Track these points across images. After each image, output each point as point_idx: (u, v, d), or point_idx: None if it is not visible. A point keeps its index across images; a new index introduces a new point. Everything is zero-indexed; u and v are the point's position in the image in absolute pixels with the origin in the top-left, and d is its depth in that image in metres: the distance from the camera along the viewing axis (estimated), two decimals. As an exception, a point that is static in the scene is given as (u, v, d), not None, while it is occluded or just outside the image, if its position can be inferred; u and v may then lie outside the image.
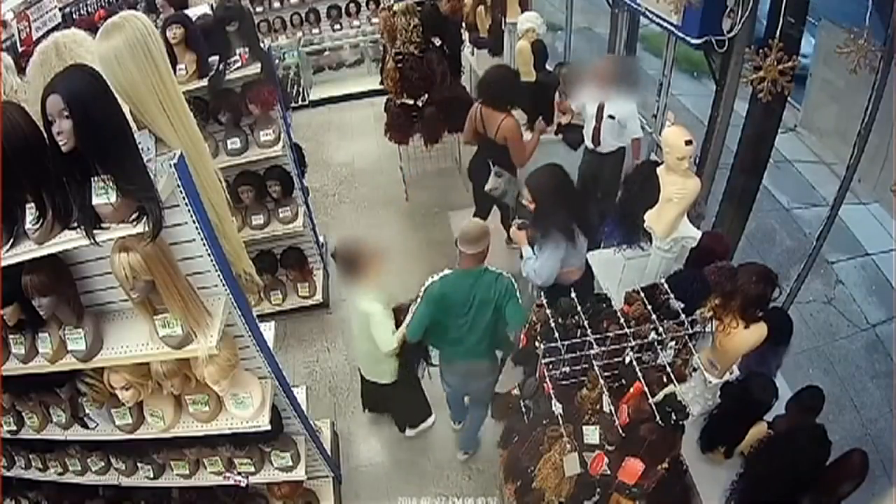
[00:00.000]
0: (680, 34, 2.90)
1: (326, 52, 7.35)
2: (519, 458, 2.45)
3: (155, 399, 2.26)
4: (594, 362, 2.09)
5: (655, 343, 2.08)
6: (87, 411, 2.36)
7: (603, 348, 2.10)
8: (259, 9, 6.78)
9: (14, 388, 2.32)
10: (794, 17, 2.40)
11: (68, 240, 1.67)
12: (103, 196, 1.57)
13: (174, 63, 3.04)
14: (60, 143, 1.50)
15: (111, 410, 2.30)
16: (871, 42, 2.01)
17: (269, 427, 2.31)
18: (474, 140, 3.83)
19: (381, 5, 5.26)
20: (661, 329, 2.09)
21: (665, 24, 2.99)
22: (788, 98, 2.61)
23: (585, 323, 2.19)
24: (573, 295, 2.33)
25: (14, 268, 1.74)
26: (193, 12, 3.47)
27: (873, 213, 4.50)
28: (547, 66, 4.43)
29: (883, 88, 2.27)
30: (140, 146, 1.67)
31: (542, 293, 2.55)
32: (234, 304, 2.07)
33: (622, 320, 2.17)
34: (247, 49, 3.35)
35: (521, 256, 2.90)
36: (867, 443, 3.05)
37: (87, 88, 1.51)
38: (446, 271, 2.63)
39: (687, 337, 2.12)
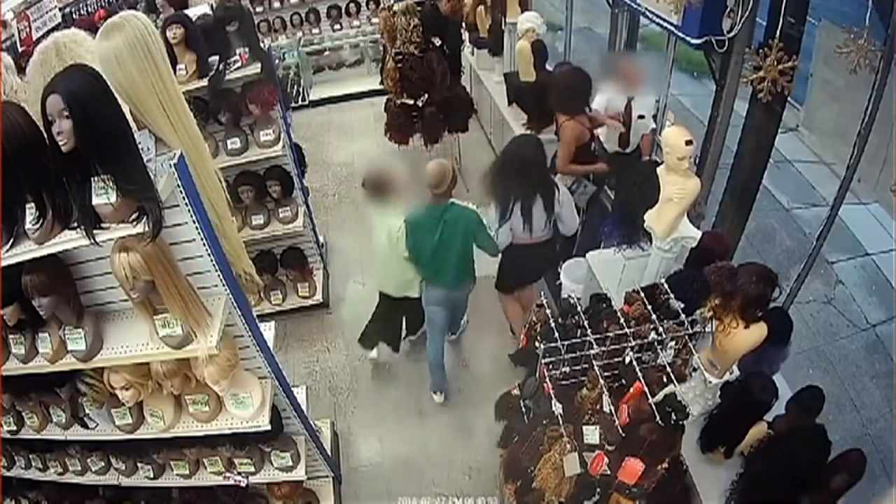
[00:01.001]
0: (680, 34, 2.90)
1: (326, 52, 7.35)
2: (519, 458, 2.45)
3: (155, 399, 2.26)
4: (594, 362, 2.09)
5: (655, 343, 2.08)
6: (87, 411, 2.36)
7: (603, 348, 2.11)
8: (259, 9, 6.79)
9: (14, 388, 2.32)
10: (794, 17, 2.40)
11: (68, 240, 1.67)
12: (103, 196, 1.58)
13: (174, 63, 3.05)
14: (60, 143, 1.50)
15: (111, 410, 2.30)
16: (871, 42, 2.00)
17: (269, 427, 2.32)
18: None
19: (381, 5, 5.27)
20: (661, 329, 2.09)
21: (665, 24, 2.98)
22: (789, 98, 2.61)
23: (585, 323, 2.20)
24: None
25: (14, 268, 1.74)
26: (193, 12, 3.47)
27: (873, 213, 4.50)
28: (547, 66, 4.42)
29: (883, 88, 2.26)
30: (140, 146, 1.67)
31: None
32: (234, 304, 2.07)
33: (622, 320, 2.17)
34: (247, 49, 3.35)
35: None
36: (867, 443, 3.05)
37: (87, 88, 1.52)
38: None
39: (687, 337, 2.12)
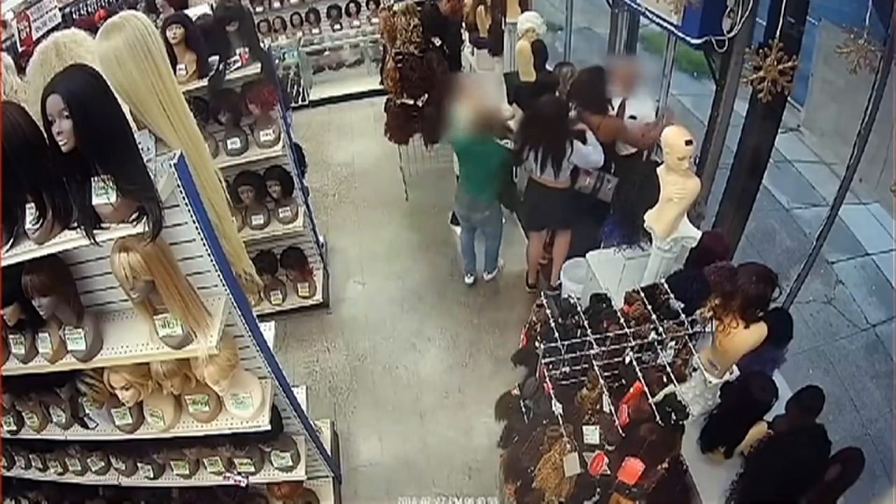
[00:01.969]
0: (680, 34, 2.90)
1: (326, 52, 7.35)
2: (519, 458, 2.45)
3: (155, 399, 2.26)
4: (594, 362, 2.09)
5: (655, 343, 2.08)
6: (87, 411, 2.36)
7: (603, 348, 2.10)
8: (259, 9, 6.79)
9: (14, 388, 2.32)
10: (794, 17, 2.40)
11: (68, 240, 1.67)
12: (103, 196, 1.57)
13: (174, 63, 3.04)
14: (60, 143, 1.50)
15: (111, 410, 2.30)
16: (871, 42, 2.00)
17: (269, 427, 2.32)
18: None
19: (381, 5, 5.27)
20: (661, 329, 2.08)
21: (665, 24, 2.98)
22: (789, 98, 2.61)
23: (585, 323, 2.19)
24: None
25: (14, 268, 1.74)
26: (193, 12, 3.47)
27: (873, 213, 4.50)
28: (547, 66, 4.42)
29: (883, 88, 2.26)
30: (140, 146, 1.67)
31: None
32: (234, 304, 2.07)
33: (622, 320, 2.17)
34: (247, 49, 3.35)
35: None
36: (867, 443, 3.05)
37: (87, 88, 1.51)
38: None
39: (687, 337, 2.12)
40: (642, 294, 2.22)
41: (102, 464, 2.70)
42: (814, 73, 5.11)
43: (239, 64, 3.33)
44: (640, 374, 1.98)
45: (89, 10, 5.86)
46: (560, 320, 2.27)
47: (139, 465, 2.67)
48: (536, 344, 2.20)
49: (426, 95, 4.54)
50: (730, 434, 2.24)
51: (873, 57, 2.03)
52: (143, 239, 1.67)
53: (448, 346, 4.02)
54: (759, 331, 2.20)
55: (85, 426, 2.43)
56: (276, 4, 6.98)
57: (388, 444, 3.51)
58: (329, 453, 3.14)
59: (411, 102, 4.63)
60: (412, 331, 4.16)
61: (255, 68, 3.35)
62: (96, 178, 1.57)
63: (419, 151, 4.97)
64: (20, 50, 4.40)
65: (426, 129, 4.67)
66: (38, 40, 4.25)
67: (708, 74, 3.14)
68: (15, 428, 2.49)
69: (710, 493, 2.23)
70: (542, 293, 2.58)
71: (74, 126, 1.48)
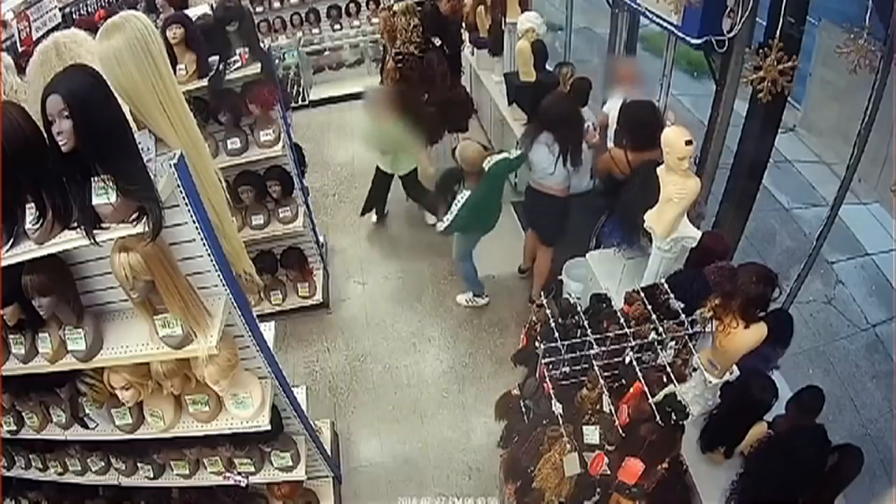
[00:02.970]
0: (680, 34, 2.90)
1: (326, 52, 7.35)
2: (519, 458, 2.45)
3: (155, 399, 2.26)
4: (594, 362, 2.09)
5: (655, 343, 2.08)
6: (87, 411, 2.36)
7: (603, 348, 2.10)
8: (259, 9, 6.79)
9: (14, 388, 2.32)
10: (794, 17, 2.40)
11: (68, 240, 1.67)
12: (103, 196, 1.57)
13: (174, 63, 3.04)
14: (60, 144, 1.50)
15: (111, 410, 2.30)
16: (871, 42, 2.00)
17: (269, 427, 2.32)
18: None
19: (381, 5, 5.28)
20: (661, 329, 2.08)
21: (665, 24, 2.98)
22: (788, 98, 2.61)
23: (585, 323, 2.19)
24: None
25: (14, 268, 1.74)
26: (193, 12, 3.47)
27: (873, 213, 4.50)
28: (547, 66, 4.42)
29: (883, 88, 2.27)
30: (140, 146, 1.67)
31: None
32: (234, 304, 2.07)
33: (622, 320, 2.17)
34: (247, 49, 3.35)
35: None
36: (867, 443, 3.04)
37: (87, 88, 1.51)
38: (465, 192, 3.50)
39: (687, 337, 2.12)
40: (642, 294, 2.22)
41: (102, 464, 2.70)
42: (813, 73, 5.12)
43: (239, 64, 3.33)
44: (640, 374, 1.97)
45: (89, 10, 5.85)
46: (560, 320, 2.27)
47: (139, 465, 2.67)
48: (536, 344, 2.20)
49: (426, 95, 4.54)
50: (730, 434, 2.24)
51: (873, 57, 2.03)
52: (143, 239, 1.66)
53: (448, 346, 4.02)
54: (759, 331, 2.20)
55: (85, 426, 2.43)
56: (276, 4, 6.98)
57: (388, 444, 3.51)
58: (329, 453, 3.14)
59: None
60: (412, 331, 4.16)
61: (255, 68, 3.35)
62: (96, 178, 1.57)
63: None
64: (20, 50, 4.39)
65: (426, 129, 4.66)
66: (38, 40, 4.25)
67: (708, 74, 3.14)
68: (15, 428, 2.49)
69: (710, 493, 2.23)
70: (542, 293, 2.58)
71: (74, 126, 1.48)
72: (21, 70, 2.19)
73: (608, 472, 2.03)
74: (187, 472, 2.64)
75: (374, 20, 6.75)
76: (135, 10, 2.19)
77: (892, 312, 3.92)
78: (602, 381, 2.04)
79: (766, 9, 2.51)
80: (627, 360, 2.06)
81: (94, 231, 1.62)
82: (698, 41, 2.79)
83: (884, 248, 4.34)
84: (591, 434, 2.07)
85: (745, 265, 2.25)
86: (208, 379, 2.09)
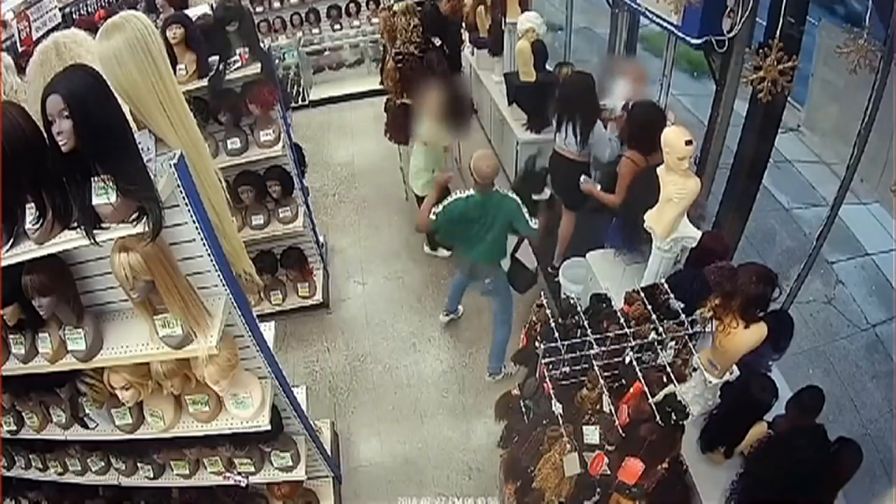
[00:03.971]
0: (680, 34, 2.90)
1: (326, 52, 7.35)
2: (519, 458, 2.45)
3: (155, 399, 2.26)
4: (594, 362, 2.09)
5: (655, 343, 2.08)
6: (87, 411, 2.36)
7: (603, 348, 2.10)
8: (259, 9, 6.79)
9: (14, 388, 2.32)
10: (794, 17, 2.40)
11: (68, 240, 1.67)
12: (103, 196, 1.57)
13: (174, 63, 3.04)
14: (60, 143, 1.50)
15: (111, 410, 2.30)
16: (871, 42, 2.00)
17: (269, 427, 2.32)
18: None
19: (381, 5, 5.28)
20: (661, 329, 2.09)
21: (665, 24, 2.98)
22: (789, 98, 2.61)
23: (585, 323, 2.19)
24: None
25: (14, 268, 1.74)
26: (193, 12, 3.47)
27: (873, 213, 4.50)
28: (547, 66, 4.42)
29: (883, 88, 2.26)
30: (140, 146, 1.67)
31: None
32: (234, 304, 2.07)
33: (622, 320, 2.17)
34: (247, 49, 3.35)
35: None
36: (867, 443, 3.03)
37: (87, 88, 1.51)
38: (470, 192, 3.15)
39: (687, 337, 2.12)
40: (642, 294, 2.22)
41: (102, 464, 2.70)
42: (814, 73, 5.12)
43: (239, 64, 3.33)
44: (640, 374, 1.97)
45: (89, 10, 5.85)
46: (560, 320, 2.27)
47: (139, 465, 2.67)
48: (536, 344, 2.20)
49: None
50: (730, 434, 2.24)
51: (873, 57, 2.03)
52: (143, 239, 1.67)
53: (448, 346, 4.02)
54: (759, 331, 2.20)
55: (85, 426, 2.43)
56: (276, 4, 6.98)
57: (388, 444, 3.51)
58: (329, 453, 3.14)
59: (411, 102, 4.62)
60: (412, 331, 4.16)
61: (255, 68, 3.35)
62: (96, 178, 1.57)
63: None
64: (20, 50, 4.39)
65: (426, 129, 4.66)
66: (38, 40, 4.25)
67: (708, 74, 3.14)
68: (15, 428, 2.49)
69: (710, 493, 2.23)
70: (542, 293, 2.58)
71: (74, 126, 1.48)
72: (21, 70, 2.19)
73: (608, 472, 2.03)
74: (187, 472, 2.64)
75: (374, 20, 6.75)
76: (135, 10, 2.19)
77: (892, 312, 3.92)
78: (602, 381, 2.04)
79: (766, 9, 2.51)
80: (627, 360, 2.06)
81: (94, 231, 1.62)
82: (698, 41, 2.79)
83: (884, 248, 4.33)
84: (591, 434, 2.07)
85: (745, 265, 2.25)
86: (208, 379, 2.09)
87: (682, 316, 2.13)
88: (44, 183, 1.62)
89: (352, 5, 7.10)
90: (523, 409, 2.52)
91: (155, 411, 2.29)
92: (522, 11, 4.54)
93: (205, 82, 3.25)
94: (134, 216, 1.62)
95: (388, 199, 5.33)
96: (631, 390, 1.98)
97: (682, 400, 1.93)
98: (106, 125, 1.55)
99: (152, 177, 1.65)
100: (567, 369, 2.17)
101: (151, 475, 2.69)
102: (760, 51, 2.40)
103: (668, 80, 3.65)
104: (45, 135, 1.54)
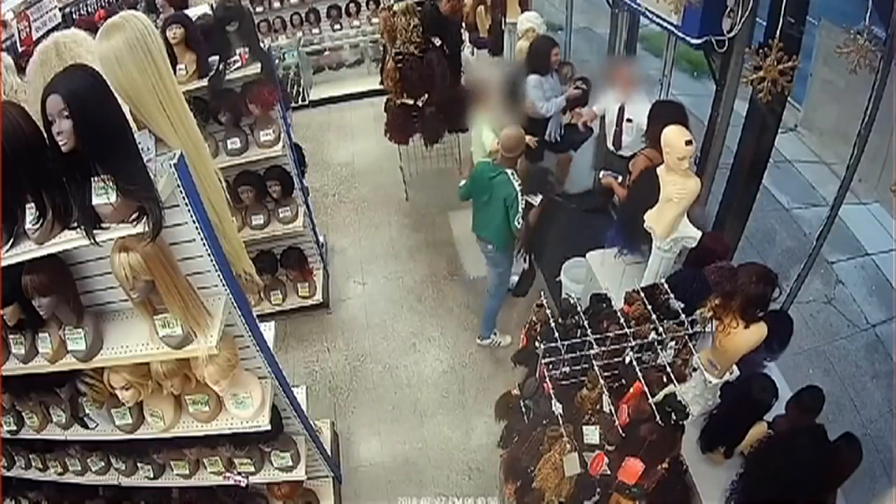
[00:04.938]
0: (680, 34, 2.90)
1: (326, 52, 7.34)
2: (519, 458, 2.45)
3: (155, 399, 2.26)
4: (594, 362, 2.08)
5: (655, 343, 2.07)
6: (87, 411, 2.36)
7: (603, 348, 2.10)
8: (259, 9, 6.78)
9: (14, 388, 2.32)
10: (794, 17, 2.40)
11: (68, 240, 1.67)
12: (103, 196, 1.57)
13: (174, 63, 3.04)
14: (60, 143, 1.50)
15: (111, 410, 2.30)
16: (871, 42, 2.00)
17: (269, 427, 2.32)
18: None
19: (381, 5, 5.27)
20: (661, 329, 2.08)
21: (665, 24, 2.98)
22: (788, 98, 2.61)
23: (585, 323, 2.19)
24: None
25: (14, 268, 1.74)
26: (193, 12, 3.47)
27: (873, 213, 4.50)
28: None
29: (883, 88, 2.26)
30: (140, 146, 1.67)
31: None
32: (234, 304, 2.07)
33: (622, 320, 2.16)
34: (247, 49, 3.35)
35: None
36: (867, 443, 3.03)
37: (87, 88, 1.51)
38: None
39: (687, 337, 2.12)
40: (642, 294, 2.22)
41: (102, 464, 2.70)
42: (813, 73, 5.12)
43: (239, 64, 3.33)
44: (640, 374, 1.97)
45: (89, 10, 5.84)
46: (560, 320, 2.27)
47: (139, 465, 2.67)
48: (536, 344, 2.20)
49: (426, 95, 4.54)
50: (730, 434, 2.24)
51: (873, 57, 2.03)
52: (143, 239, 1.67)
53: (448, 346, 4.02)
54: (759, 331, 2.20)
55: (85, 426, 2.43)
56: (276, 4, 6.98)
57: (388, 444, 3.51)
58: (329, 453, 3.14)
59: (411, 102, 4.62)
60: (412, 331, 4.16)
61: (255, 68, 3.35)
62: (96, 178, 1.57)
63: (419, 151, 4.96)
64: (20, 50, 4.39)
65: (426, 129, 4.67)
66: (38, 40, 4.24)
67: (708, 74, 3.14)
68: (15, 428, 2.49)
69: (710, 493, 2.23)
70: (542, 293, 2.58)
71: (74, 126, 1.48)
72: (21, 70, 2.18)
73: (608, 472, 2.03)
74: (187, 472, 2.64)
75: (374, 20, 6.74)
76: (135, 10, 2.19)
77: (892, 312, 3.92)
78: (602, 381, 2.04)
79: (766, 9, 2.51)
80: (627, 360, 2.06)
81: (94, 231, 1.62)
82: (698, 41, 2.79)
83: (884, 248, 4.33)
84: (591, 434, 2.07)
85: (745, 265, 2.25)
86: (208, 379, 2.09)
87: (682, 316, 2.13)
88: (44, 183, 1.62)
89: (352, 5, 7.10)
90: (523, 409, 2.52)
91: (155, 411, 2.29)
92: (522, 11, 4.55)
93: (205, 82, 3.25)
94: (134, 216, 1.62)
95: (387, 199, 5.33)
96: (631, 390, 1.98)
97: (682, 400, 1.92)
98: (106, 125, 1.55)
99: (152, 177, 1.65)
100: (567, 369, 2.17)
101: (151, 475, 2.69)
102: (760, 51, 2.40)
103: (668, 80, 3.65)
104: (45, 135, 1.53)
